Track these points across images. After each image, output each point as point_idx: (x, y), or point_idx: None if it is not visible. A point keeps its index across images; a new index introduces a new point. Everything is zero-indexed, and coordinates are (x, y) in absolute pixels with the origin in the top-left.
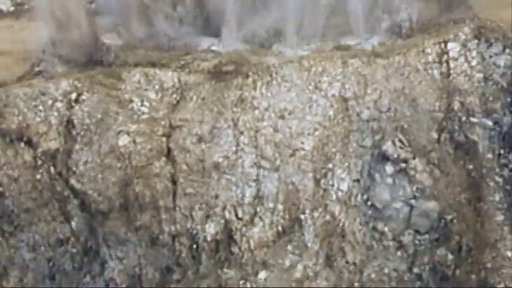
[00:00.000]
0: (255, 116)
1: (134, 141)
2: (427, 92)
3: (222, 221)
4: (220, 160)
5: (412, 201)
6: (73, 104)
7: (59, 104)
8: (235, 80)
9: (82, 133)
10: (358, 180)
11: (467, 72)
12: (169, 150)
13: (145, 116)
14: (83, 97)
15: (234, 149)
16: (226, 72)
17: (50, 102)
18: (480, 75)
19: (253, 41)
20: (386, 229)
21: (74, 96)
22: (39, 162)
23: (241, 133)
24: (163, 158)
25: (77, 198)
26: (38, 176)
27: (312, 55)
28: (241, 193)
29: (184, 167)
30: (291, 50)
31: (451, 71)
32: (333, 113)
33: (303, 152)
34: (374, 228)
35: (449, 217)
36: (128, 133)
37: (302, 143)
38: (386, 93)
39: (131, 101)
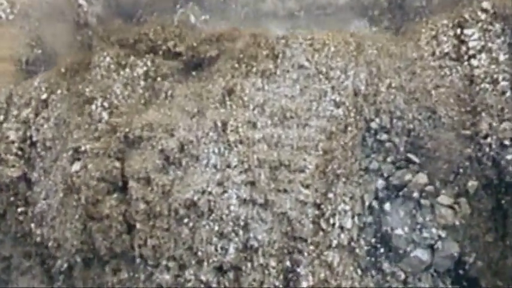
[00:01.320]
0: (247, 119)
1: (86, 167)
2: (447, 102)
3: (199, 286)
4: (197, 197)
5: (436, 244)
6: (40, 109)
7: (25, 112)
8: (222, 65)
9: (42, 153)
10: (363, 217)
11: (494, 76)
12: (124, 179)
13: (103, 126)
14: (53, 97)
15: (217, 176)
16: (210, 55)
17: (15, 110)
18: (507, 83)
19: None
20: (396, 271)
21: (44, 96)
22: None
23: (228, 148)
24: (116, 193)
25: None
26: (21, 217)
27: (325, 32)
28: (223, 246)
29: (143, 206)
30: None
31: (474, 73)
32: (342, 113)
33: (303, 176)
34: (379, 271)
35: (471, 259)
36: (81, 154)
37: (304, 160)
38: (399, 93)
39: (93, 99)
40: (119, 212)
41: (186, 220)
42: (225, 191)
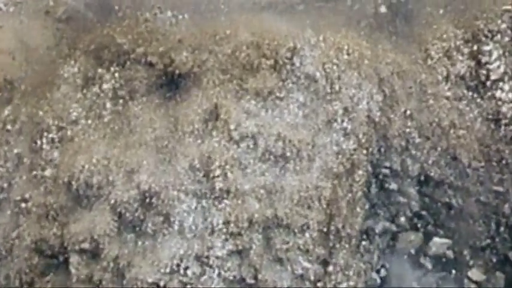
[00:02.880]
0: (234, 160)
1: (23, 232)
2: (469, 149)
3: None
4: (164, 280)
5: None
6: (3, 144)
7: None
8: (204, 79)
9: None
10: None
11: None
12: (65, 254)
13: (49, 171)
14: (16, 126)
15: (196, 247)
16: (188, 66)
17: None
18: None
19: None
20: None
21: (9, 126)
22: None
23: (211, 203)
24: (52, 271)
25: None
26: None
27: (337, 35)
28: None
29: None
30: None
31: (500, 110)
32: (352, 149)
33: (302, 241)
34: None
35: None
36: (21, 213)
37: (305, 217)
38: (413, 124)
39: (47, 131)
40: None
41: None
42: (204, 270)
